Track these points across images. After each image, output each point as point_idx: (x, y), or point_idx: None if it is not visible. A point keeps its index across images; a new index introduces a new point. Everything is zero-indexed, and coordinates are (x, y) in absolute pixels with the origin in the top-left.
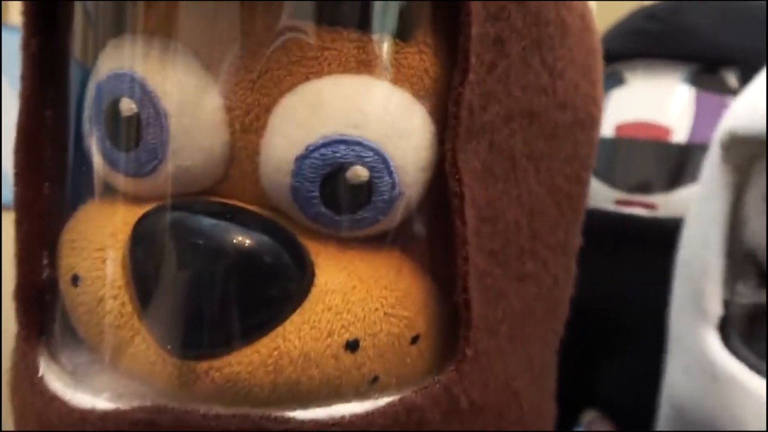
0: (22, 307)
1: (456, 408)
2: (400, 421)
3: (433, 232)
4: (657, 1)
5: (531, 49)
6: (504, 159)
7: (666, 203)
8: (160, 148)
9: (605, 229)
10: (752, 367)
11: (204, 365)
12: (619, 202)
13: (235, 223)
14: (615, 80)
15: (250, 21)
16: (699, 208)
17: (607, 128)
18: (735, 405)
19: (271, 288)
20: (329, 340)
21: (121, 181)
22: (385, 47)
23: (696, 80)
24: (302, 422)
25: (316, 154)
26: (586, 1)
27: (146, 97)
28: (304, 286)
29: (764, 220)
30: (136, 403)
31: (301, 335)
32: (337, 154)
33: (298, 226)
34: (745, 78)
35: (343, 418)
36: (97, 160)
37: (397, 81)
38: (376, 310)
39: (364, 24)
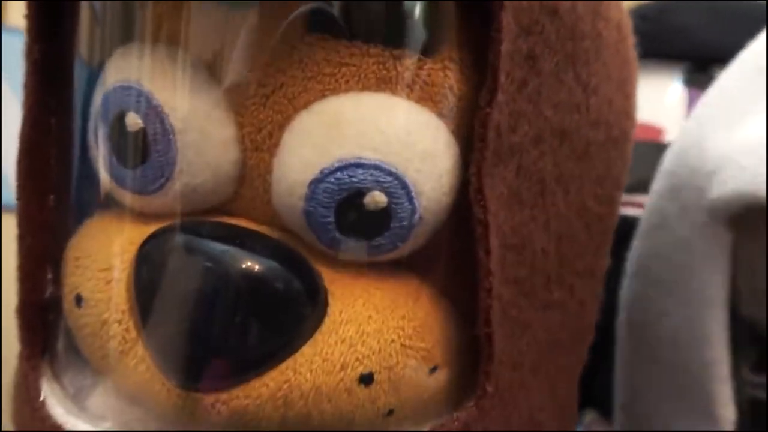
0: (24, 325)
1: None
2: None
3: (454, 258)
4: (646, 1)
5: (564, 65)
6: (532, 183)
7: None
8: (168, 166)
9: None
10: None
11: (210, 397)
12: None
13: (245, 248)
14: None
15: (264, 33)
16: (668, 275)
17: None
18: None
19: (281, 317)
20: (342, 373)
21: (127, 198)
22: (407, 63)
23: (687, 79)
24: None
25: (331, 179)
26: (622, 9)
27: (153, 111)
28: (316, 316)
29: (762, 283)
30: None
31: (313, 368)
32: (354, 179)
33: (311, 251)
34: None
35: None
36: (103, 174)
37: (419, 100)
38: (393, 342)
39: (385, 38)
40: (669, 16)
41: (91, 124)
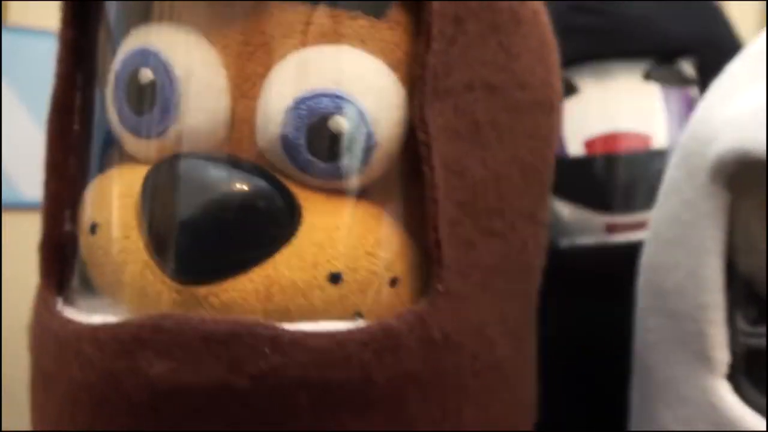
0: (44, 258)
1: (430, 337)
2: (377, 338)
3: (408, 190)
4: None
5: (488, 31)
6: (467, 122)
7: None
8: (172, 109)
9: (601, 265)
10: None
11: (203, 291)
12: (610, 228)
13: (234, 170)
14: (565, 89)
15: (248, 4)
16: (676, 233)
17: (574, 146)
18: None
19: (264, 224)
20: (314, 271)
21: (137, 145)
22: (362, 23)
23: (654, 76)
24: (288, 331)
25: (302, 106)
26: (539, 1)
27: (161, 65)
28: (293, 224)
29: (762, 244)
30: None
31: (290, 265)
32: (320, 106)
33: (289, 178)
34: (702, 66)
35: (326, 331)
36: (118, 126)
37: (373, 51)
38: (357, 248)
39: (343, 2)
40: (621, 9)
41: (107, 90)
